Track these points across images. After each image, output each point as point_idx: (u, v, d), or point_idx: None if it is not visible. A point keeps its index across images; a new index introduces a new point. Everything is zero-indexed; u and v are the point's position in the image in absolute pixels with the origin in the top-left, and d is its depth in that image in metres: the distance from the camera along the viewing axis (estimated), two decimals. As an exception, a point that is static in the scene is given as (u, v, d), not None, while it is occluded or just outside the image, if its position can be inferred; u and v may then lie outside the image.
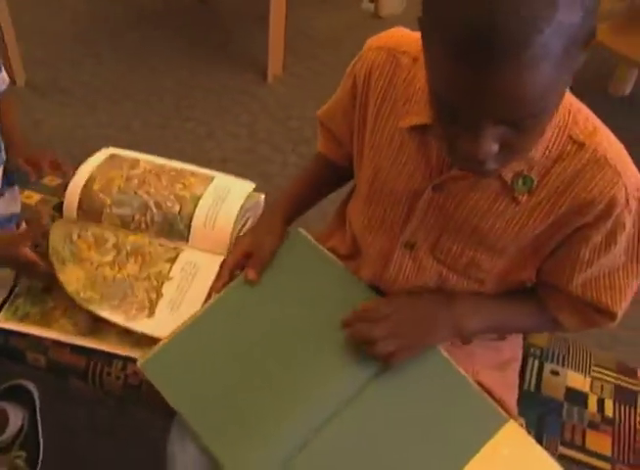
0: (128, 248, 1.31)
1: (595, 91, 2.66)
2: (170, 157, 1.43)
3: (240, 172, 2.40)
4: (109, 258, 1.30)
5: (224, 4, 3.19)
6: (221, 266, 1.19)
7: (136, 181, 1.40)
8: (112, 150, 1.52)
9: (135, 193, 1.37)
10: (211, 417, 1.02)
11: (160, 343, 1.11)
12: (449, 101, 0.73)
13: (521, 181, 0.89)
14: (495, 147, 0.76)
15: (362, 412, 0.99)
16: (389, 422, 0.99)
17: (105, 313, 1.19)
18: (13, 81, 2.63)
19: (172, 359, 1.09)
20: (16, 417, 1.50)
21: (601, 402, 1.19)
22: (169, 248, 1.32)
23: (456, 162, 0.88)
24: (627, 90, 2.72)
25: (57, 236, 1.32)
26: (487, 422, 0.99)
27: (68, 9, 3.09)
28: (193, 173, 1.45)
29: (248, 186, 1.45)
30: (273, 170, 2.34)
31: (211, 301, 1.13)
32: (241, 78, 2.73)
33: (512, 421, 1.00)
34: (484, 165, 0.79)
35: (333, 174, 1.19)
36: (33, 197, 1.45)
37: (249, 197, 1.41)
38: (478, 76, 0.67)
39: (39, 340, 1.21)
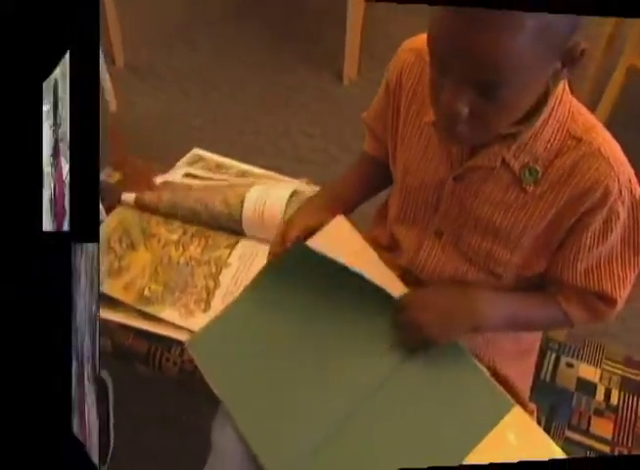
0: (193, 229, 1.41)
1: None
2: (247, 153, 1.52)
3: (311, 171, 2.52)
4: (175, 236, 1.40)
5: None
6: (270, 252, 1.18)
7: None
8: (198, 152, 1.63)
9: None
10: (248, 403, 1.07)
11: (209, 321, 1.15)
12: (438, 55, 0.85)
13: (527, 172, 0.98)
14: (465, 109, 0.86)
15: (384, 401, 1.05)
16: (408, 409, 1.05)
17: (164, 314, 1.27)
18: (112, 62, 2.76)
19: (218, 339, 1.12)
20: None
21: (608, 392, 1.30)
22: (230, 235, 1.40)
23: (441, 130, 0.97)
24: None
25: (127, 214, 1.42)
26: (496, 408, 1.04)
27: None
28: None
29: (296, 182, 1.51)
30: (342, 171, 2.47)
31: (255, 281, 1.14)
32: (319, 78, 2.81)
33: (518, 407, 1.04)
34: (456, 126, 0.89)
35: (376, 170, 1.24)
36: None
37: (299, 192, 1.44)
38: (462, 30, 0.79)
39: (105, 323, 1.25)
